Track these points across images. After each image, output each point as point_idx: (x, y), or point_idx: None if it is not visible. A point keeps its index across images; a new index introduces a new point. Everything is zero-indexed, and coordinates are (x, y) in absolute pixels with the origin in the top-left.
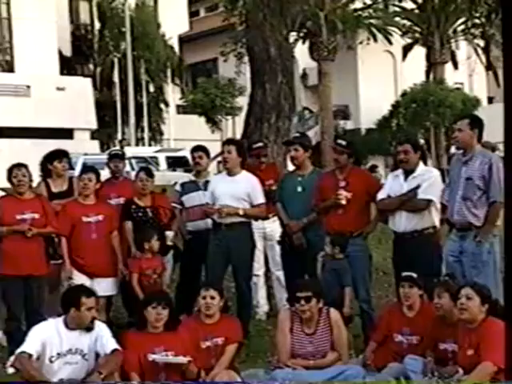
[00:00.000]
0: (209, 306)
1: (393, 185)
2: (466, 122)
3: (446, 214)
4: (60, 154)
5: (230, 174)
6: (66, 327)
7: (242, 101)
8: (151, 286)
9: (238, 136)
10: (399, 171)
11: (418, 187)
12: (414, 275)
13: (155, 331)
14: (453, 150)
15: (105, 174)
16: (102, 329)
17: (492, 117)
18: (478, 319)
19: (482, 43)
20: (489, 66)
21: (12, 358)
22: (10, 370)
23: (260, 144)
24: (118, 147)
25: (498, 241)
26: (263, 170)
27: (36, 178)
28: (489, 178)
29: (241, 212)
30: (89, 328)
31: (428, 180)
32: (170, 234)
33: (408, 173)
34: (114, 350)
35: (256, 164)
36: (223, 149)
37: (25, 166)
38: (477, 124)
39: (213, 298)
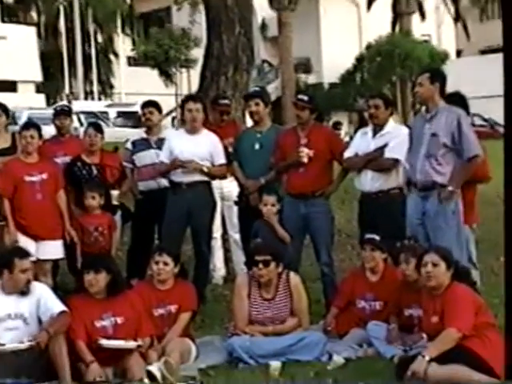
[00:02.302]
0: (161, 272)
1: (361, 142)
2: (427, 76)
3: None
4: None
5: (191, 132)
6: (3, 291)
7: (198, 53)
8: (93, 245)
9: (193, 90)
10: (368, 128)
11: (385, 146)
12: (377, 237)
13: (98, 297)
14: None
15: (51, 130)
16: (43, 292)
17: (461, 71)
18: (444, 285)
19: None
20: (457, 17)
21: None
22: None
23: (226, 101)
24: (65, 101)
25: (460, 200)
26: (223, 127)
27: None
28: (459, 134)
29: (205, 169)
30: (23, 292)
31: (396, 138)
32: (115, 192)
33: (377, 130)
34: (61, 312)
35: (218, 120)
36: (189, 106)
37: None
38: (438, 78)
39: (166, 263)
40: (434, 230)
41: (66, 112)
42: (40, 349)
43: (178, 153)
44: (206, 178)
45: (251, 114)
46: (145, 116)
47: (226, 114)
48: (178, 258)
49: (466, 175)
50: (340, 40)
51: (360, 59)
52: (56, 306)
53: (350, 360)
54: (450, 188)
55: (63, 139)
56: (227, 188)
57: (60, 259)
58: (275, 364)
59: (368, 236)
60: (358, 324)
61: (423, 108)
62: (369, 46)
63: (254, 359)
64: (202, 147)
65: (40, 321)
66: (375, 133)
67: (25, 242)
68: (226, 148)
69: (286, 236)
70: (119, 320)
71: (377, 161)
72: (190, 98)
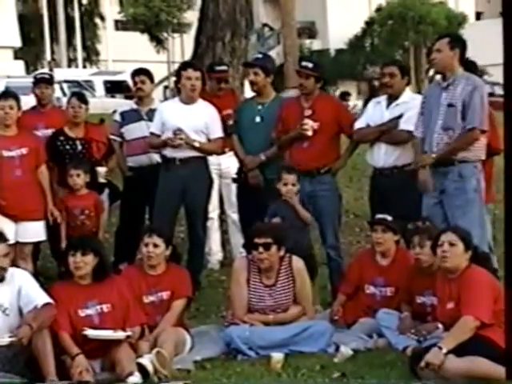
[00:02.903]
0: (151, 255)
1: (373, 113)
2: (446, 41)
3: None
4: None
5: (186, 101)
6: None
7: (192, 16)
8: (79, 229)
9: (187, 57)
10: (382, 97)
11: (400, 116)
12: (389, 218)
13: (83, 282)
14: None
15: (29, 100)
16: (25, 280)
17: (480, 35)
18: (461, 268)
19: None
20: None
21: None
22: None
23: (224, 67)
24: (46, 69)
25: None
26: (221, 97)
27: None
28: (468, 103)
29: (196, 144)
30: (0, 280)
31: (413, 109)
32: (101, 169)
33: (391, 99)
34: (46, 304)
35: (215, 89)
36: (188, 74)
37: None
38: (458, 43)
39: (156, 246)
40: (453, 209)
41: (47, 80)
42: (27, 343)
43: (171, 124)
44: (200, 154)
45: (250, 84)
46: (136, 85)
47: (224, 82)
48: (170, 239)
49: (459, 146)
50: (348, 1)
51: (369, 23)
52: (39, 297)
53: (358, 351)
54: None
55: (44, 110)
56: (225, 164)
57: (41, 242)
58: (277, 356)
59: (379, 216)
60: (366, 312)
61: (437, 76)
62: (379, 9)
63: (254, 351)
64: (198, 118)
65: (21, 311)
66: (389, 103)
67: (3, 222)
68: (223, 120)
69: (308, 216)
70: (105, 308)
71: (391, 133)
72: (188, 64)
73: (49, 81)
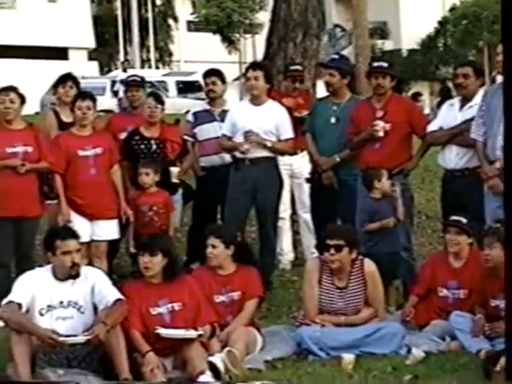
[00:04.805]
0: (210, 255)
1: (447, 115)
2: None
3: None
4: (63, 78)
5: (255, 102)
6: (55, 277)
7: (263, 16)
8: (147, 226)
9: (259, 58)
10: (456, 99)
11: (473, 119)
12: (464, 220)
13: (154, 281)
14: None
15: (102, 100)
16: (98, 278)
17: None
18: None
19: None
20: None
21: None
22: (0, 324)
23: (298, 67)
24: (119, 70)
25: None
26: (295, 97)
27: (33, 105)
28: None
29: (268, 144)
30: (72, 276)
31: None
32: (174, 169)
33: (465, 101)
34: (117, 301)
35: (289, 89)
36: (247, 74)
37: (14, 89)
38: None
39: (214, 247)
40: None
41: (137, 83)
42: (99, 341)
43: (240, 126)
44: (270, 154)
45: (326, 85)
46: (207, 86)
47: (299, 82)
48: (230, 239)
49: None
50: (421, 1)
51: (443, 23)
52: (112, 293)
53: (430, 354)
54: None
55: (135, 112)
56: (297, 164)
57: (116, 240)
58: (348, 357)
59: (454, 218)
60: (439, 314)
61: (498, 77)
62: (453, 8)
63: (325, 351)
64: (267, 120)
65: (95, 309)
66: (463, 104)
67: (78, 221)
68: (296, 119)
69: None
70: (176, 306)
71: (463, 135)
72: (250, 65)
73: (139, 83)
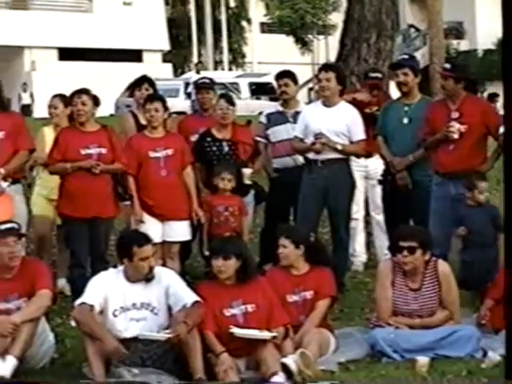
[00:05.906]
0: (280, 255)
1: None
2: None
3: None
4: (139, 81)
5: (327, 104)
6: (127, 280)
7: (337, 17)
8: (223, 226)
9: (332, 59)
10: None
11: None
12: None
13: (228, 282)
14: None
15: (177, 102)
16: (172, 280)
17: None
18: None
19: None
20: None
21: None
22: (74, 323)
23: (378, 75)
24: (193, 71)
25: None
26: (375, 105)
27: (108, 107)
28: None
29: (339, 147)
30: (148, 279)
31: None
32: (247, 171)
33: None
34: (195, 303)
35: (367, 97)
36: (319, 75)
37: (86, 91)
38: None
39: (285, 246)
40: None
41: (207, 85)
42: (179, 341)
43: (312, 127)
44: (341, 156)
45: (398, 85)
46: (280, 88)
47: (378, 89)
48: (300, 239)
49: None
50: (497, 1)
51: None
52: (188, 295)
53: None
54: None
55: (206, 114)
56: (372, 166)
57: (188, 241)
58: (423, 360)
59: None
60: None
61: None
62: None
63: (399, 353)
64: (339, 121)
65: (169, 311)
66: None
67: (150, 222)
68: (367, 116)
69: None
70: (250, 308)
71: None
72: (322, 66)
73: (209, 86)
